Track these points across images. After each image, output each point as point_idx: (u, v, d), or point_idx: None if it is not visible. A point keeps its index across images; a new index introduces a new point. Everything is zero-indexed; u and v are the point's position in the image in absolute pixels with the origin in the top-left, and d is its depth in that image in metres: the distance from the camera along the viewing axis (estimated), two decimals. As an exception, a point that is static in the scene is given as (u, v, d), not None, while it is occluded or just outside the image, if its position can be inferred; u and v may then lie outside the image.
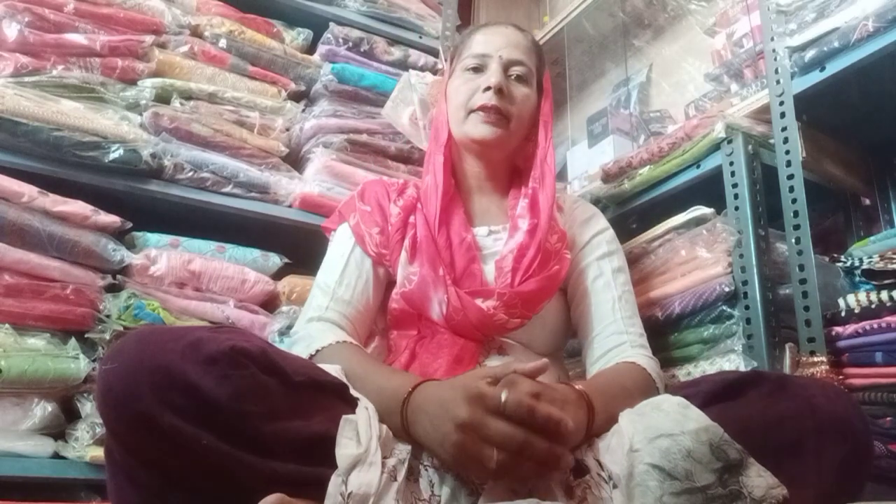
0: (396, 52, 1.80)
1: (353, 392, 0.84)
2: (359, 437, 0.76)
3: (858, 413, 0.82)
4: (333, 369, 0.90)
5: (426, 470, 0.80)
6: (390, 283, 1.16)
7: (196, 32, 1.62)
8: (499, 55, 1.19)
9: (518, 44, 1.22)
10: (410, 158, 1.69)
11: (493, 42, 1.21)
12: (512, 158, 1.26)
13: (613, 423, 0.84)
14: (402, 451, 0.79)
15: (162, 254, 1.39)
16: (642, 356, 1.05)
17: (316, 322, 1.08)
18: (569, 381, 1.16)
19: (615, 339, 1.08)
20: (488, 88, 1.15)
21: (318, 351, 0.99)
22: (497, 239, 1.16)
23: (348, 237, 1.18)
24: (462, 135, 1.19)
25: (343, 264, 1.14)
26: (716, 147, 1.42)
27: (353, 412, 0.80)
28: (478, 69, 1.19)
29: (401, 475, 0.75)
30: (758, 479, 0.72)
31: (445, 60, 1.76)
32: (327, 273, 1.15)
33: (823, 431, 0.77)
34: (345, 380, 0.88)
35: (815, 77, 1.30)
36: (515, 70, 1.19)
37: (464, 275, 1.09)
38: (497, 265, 1.10)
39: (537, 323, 1.09)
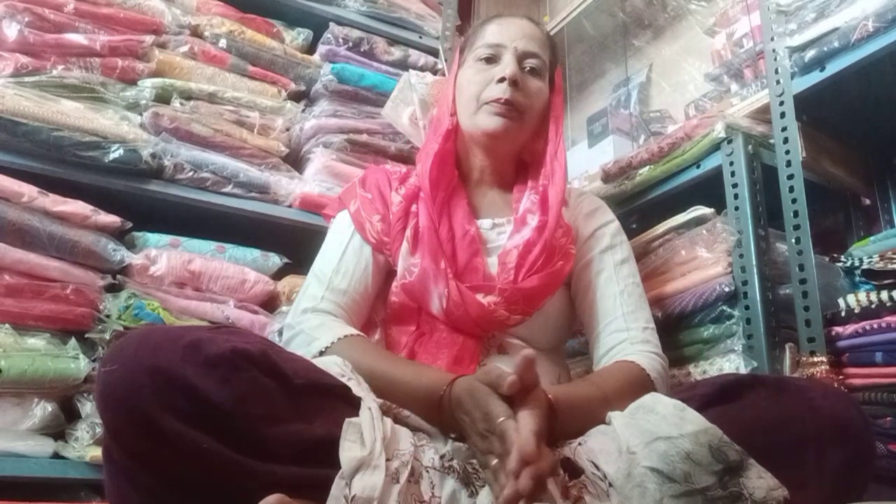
0: (396, 52, 1.80)
1: (355, 392, 0.84)
2: (362, 439, 0.76)
3: (860, 415, 0.81)
4: (334, 362, 0.90)
5: (427, 472, 0.80)
6: (390, 271, 1.14)
7: (196, 32, 1.62)
8: (514, 46, 1.15)
9: (533, 36, 1.19)
10: (410, 158, 1.69)
11: (507, 32, 1.18)
12: (519, 153, 1.23)
13: (589, 428, 0.86)
14: (406, 452, 0.79)
15: (162, 254, 1.38)
16: (642, 353, 1.03)
17: (311, 314, 1.06)
18: (569, 379, 1.17)
19: (616, 338, 1.07)
20: (502, 80, 1.12)
21: (326, 349, 0.98)
22: (501, 232, 1.14)
23: (347, 224, 1.16)
24: (473, 127, 1.16)
25: (341, 252, 1.13)
26: (716, 147, 1.42)
27: (356, 413, 0.80)
28: (491, 59, 1.16)
29: (403, 478, 0.75)
30: (758, 480, 0.72)
31: (446, 60, 1.76)
32: (324, 261, 1.14)
33: (824, 433, 0.77)
34: (347, 373, 0.88)
35: (815, 77, 1.30)
36: (530, 62, 1.16)
37: (466, 268, 1.08)
38: (500, 259, 1.08)
39: (538, 319, 1.08)
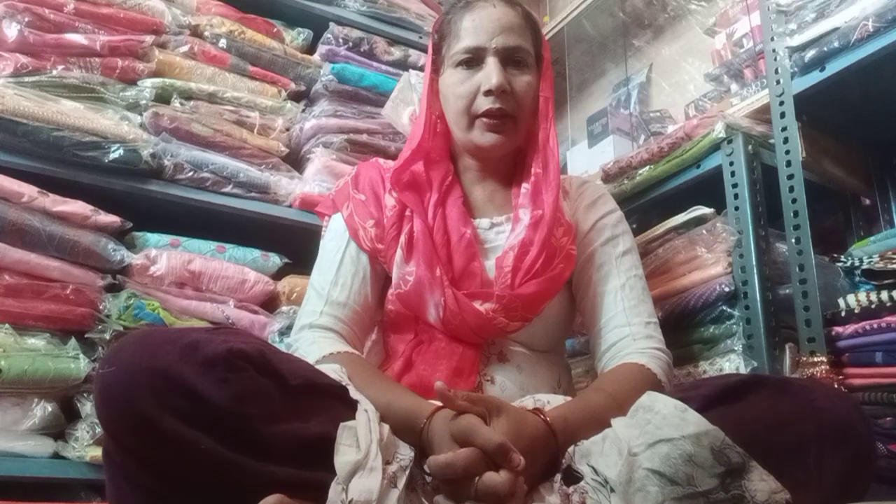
0: (396, 52, 1.80)
1: (353, 394, 0.84)
2: (358, 442, 0.75)
3: (861, 416, 0.81)
4: (333, 369, 0.90)
5: (426, 485, 0.79)
6: (388, 277, 1.10)
7: (196, 32, 1.62)
8: (493, 46, 1.07)
9: (511, 25, 1.09)
10: (410, 158, 1.69)
11: (483, 29, 1.08)
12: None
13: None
14: (405, 457, 0.78)
15: (162, 254, 1.39)
16: (647, 352, 1.00)
17: (308, 331, 1.04)
18: (570, 379, 1.16)
19: (618, 334, 1.03)
20: (489, 92, 1.06)
21: (323, 357, 0.97)
22: (500, 232, 1.10)
23: (342, 230, 1.12)
24: (466, 141, 1.11)
25: (338, 262, 1.09)
26: (716, 147, 1.42)
27: (353, 414, 0.79)
28: (472, 63, 1.09)
29: (401, 482, 0.75)
30: (760, 483, 0.71)
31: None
32: (321, 272, 1.10)
33: (825, 434, 0.77)
34: (346, 379, 0.88)
35: (815, 77, 1.30)
36: (514, 57, 1.09)
37: (463, 274, 1.04)
38: (497, 263, 1.04)
39: (538, 322, 1.05)
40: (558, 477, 0.81)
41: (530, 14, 1.17)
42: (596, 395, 0.94)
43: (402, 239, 1.06)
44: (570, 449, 0.84)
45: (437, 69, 1.16)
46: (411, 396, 0.90)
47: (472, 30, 1.09)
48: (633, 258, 1.11)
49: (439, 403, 0.83)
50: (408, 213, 1.09)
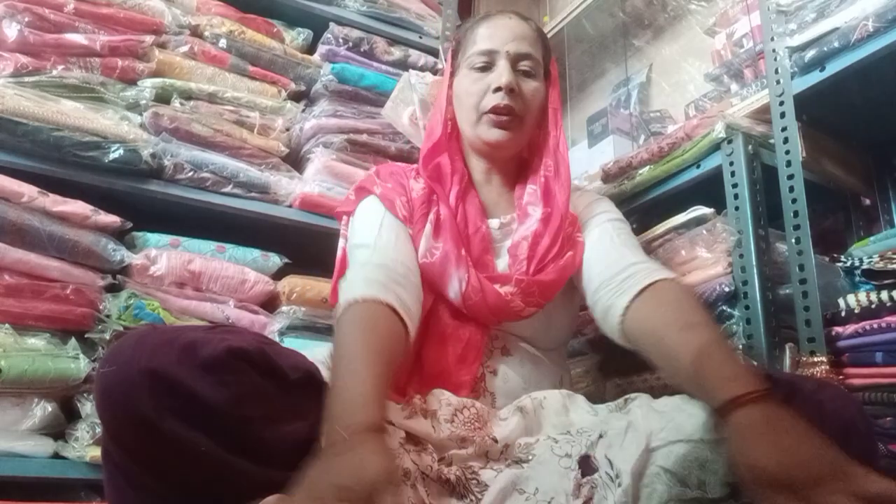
0: (396, 52, 1.80)
1: None
2: None
3: (864, 418, 0.81)
4: (322, 355, 0.90)
5: (424, 478, 0.79)
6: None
7: (196, 32, 1.62)
8: (506, 50, 1.14)
9: (524, 35, 1.16)
10: (410, 158, 1.69)
11: (498, 36, 1.16)
12: (520, 152, 1.22)
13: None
14: (396, 454, 0.79)
15: (162, 254, 1.39)
16: (664, 271, 1.00)
17: (360, 269, 1.01)
18: (570, 379, 1.17)
19: (630, 263, 1.02)
20: (499, 89, 1.11)
21: (349, 304, 0.91)
22: (507, 232, 1.14)
23: (377, 204, 1.12)
24: (474, 137, 1.16)
25: (377, 227, 1.08)
26: (716, 147, 1.42)
27: None
28: (485, 67, 1.14)
29: (395, 478, 0.75)
30: None
31: (445, 60, 1.76)
32: (363, 237, 1.08)
33: (828, 437, 0.77)
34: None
35: (815, 77, 1.30)
36: (524, 65, 1.15)
37: (478, 263, 1.09)
38: (511, 252, 1.10)
39: (542, 318, 1.08)
40: (576, 465, 0.81)
41: (542, 31, 1.24)
42: (704, 331, 0.87)
43: (432, 216, 1.10)
44: (595, 438, 0.84)
45: (453, 73, 1.22)
46: (369, 401, 0.78)
47: (488, 36, 1.17)
48: (630, 232, 1.16)
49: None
50: (434, 197, 1.13)
